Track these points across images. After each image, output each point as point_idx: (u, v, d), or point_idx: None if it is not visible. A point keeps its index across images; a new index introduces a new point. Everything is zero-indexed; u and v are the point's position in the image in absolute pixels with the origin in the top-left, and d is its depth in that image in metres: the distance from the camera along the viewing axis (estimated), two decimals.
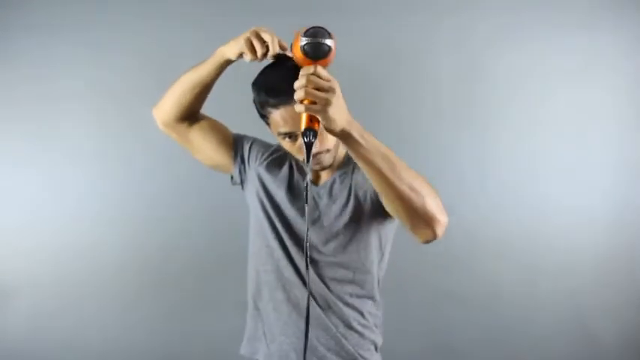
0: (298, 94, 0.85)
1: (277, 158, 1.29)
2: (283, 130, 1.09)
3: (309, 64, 0.88)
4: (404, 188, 0.94)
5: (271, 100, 1.07)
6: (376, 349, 1.27)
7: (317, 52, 0.89)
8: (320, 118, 0.87)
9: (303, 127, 0.90)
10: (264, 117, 1.12)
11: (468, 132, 2.03)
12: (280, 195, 1.23)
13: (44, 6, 2.00)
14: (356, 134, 0.90)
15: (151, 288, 2.03)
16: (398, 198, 0.95)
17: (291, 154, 1.22)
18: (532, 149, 2.03)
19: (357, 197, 1.18)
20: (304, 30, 0.90)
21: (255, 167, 1.28)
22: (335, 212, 1.19)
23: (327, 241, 1.19)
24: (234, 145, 1.30)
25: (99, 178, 2.03)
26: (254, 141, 1.32)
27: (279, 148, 1.31)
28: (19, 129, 2.02)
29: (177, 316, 2.03)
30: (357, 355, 1.21)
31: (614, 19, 2.02)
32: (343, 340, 1.20)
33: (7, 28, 2.01)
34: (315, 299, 1.19)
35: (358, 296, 1.22)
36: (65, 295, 2.02)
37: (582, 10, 2.02)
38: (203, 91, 1.20)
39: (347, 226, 1.18)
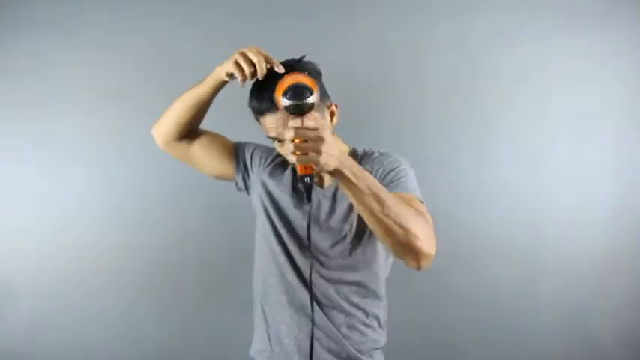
0: (289, 148, 0.89)
1: (280, 162, 1.30)
2: (270, 135, 1.14)
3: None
4: (391, 224, 0.96)
5: (257, 108, 1.12)
6: (379, 348, 1.28)
7: (301, 111, 0.91)
8: (312, 166, 0.90)
9: (299, 173, 0.94)
10: (257, 121, 1.17)
11: (468, 132, 2.03)
12: (285, 199, 1.25)
13: (44, 6, 2.00)
14: (348, 172, 0.93)
15: (152, 288, 2.03)
16: (384, 233, 0.97)
17: None
18: (532, 150, 2.03)
19: None
20: (282, 89, 0.93)
21: (259, 173, 1.30)
22: (340, 216, 1.20)
23: (333, 244, 1.20)
24: (236, 154, 1.33)
25: (100, 178, 2.03)
26: (255, 147, 1.34)
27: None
28: (20, 129, 2.02)
29: (179, 317, 2.03)
30: (359, 354, 1.22)
31: (613, 21, 2.02)
32: (345, 341, 1.21)
33: (7, 28, 2.01)
34: (319, 301, 1.20)
35: (364, 296, 1.23)
36: (66, 295, 2.02)
37: (582, 11, 2.02)
38: (201, 109, 1.24)
39: (353, 230, 1.20)
